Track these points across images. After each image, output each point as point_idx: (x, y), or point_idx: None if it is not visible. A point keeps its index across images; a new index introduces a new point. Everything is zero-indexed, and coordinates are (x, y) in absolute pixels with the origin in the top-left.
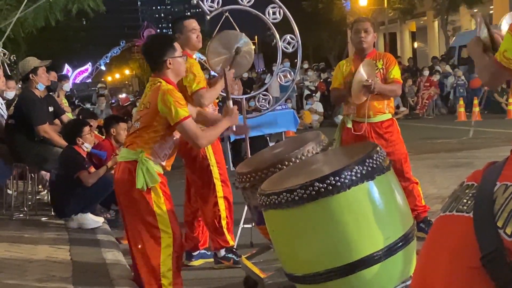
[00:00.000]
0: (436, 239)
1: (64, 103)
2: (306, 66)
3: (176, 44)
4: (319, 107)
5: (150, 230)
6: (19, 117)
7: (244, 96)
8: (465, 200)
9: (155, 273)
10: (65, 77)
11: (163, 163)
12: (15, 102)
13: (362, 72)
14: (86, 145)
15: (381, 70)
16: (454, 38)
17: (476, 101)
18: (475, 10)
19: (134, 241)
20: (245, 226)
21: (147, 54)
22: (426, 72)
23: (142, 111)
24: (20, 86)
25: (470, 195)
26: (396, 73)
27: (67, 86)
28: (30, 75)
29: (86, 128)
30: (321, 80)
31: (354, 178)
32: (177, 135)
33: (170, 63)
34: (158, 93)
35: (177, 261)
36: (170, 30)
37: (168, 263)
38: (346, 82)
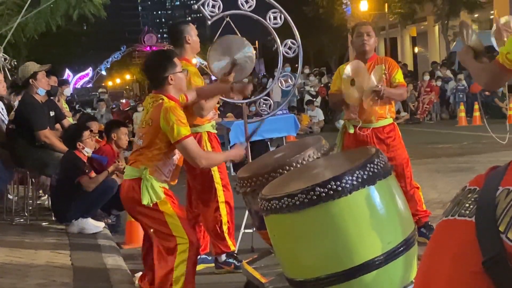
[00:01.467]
0: (438, 244)
1: (65, 108)
2: (307, 71)
3: (176, 60)
4: (320, 115)
5: (165, 240)
6: (20, 122)
7: (245, 101)
8: (467, 205)
9: (166, 277)
10: (65, 82)
11: (168, 179)
12: (16, 107)
13: (373, 79)
14: (86, 150)
15: (384, 75)
16: (455, 43)
17: (476, 106)
18: (476, 15)
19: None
20: (246, 231)
21: (148, 71)
22: (427, 77)
23: (144, 129)
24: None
25: (472, 199)
26: (399, 77)
27: (68, 90)
28: (30, 80)
29: (86, 133)
30: (322, 85)
31: (355, 183)
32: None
33: (171, 79)
34: (160, 111)
35: (192, 268)
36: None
37: (182, 268)
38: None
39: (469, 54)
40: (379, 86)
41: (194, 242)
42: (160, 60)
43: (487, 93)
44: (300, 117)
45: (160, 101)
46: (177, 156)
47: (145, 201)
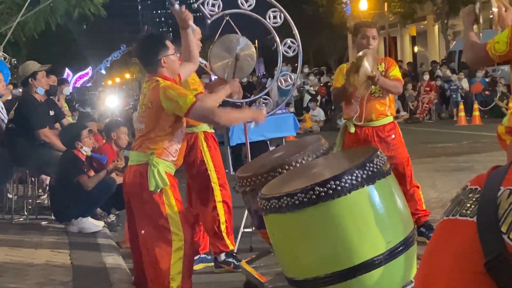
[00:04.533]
0: (439, 243)
1: (65, 107)
2: (306, 70)
3: (168, 42)
4: (321, 115)
5: (161, 233)
6: (20, 121)
7: (245, 100)
8: (468, 205)
9: (164, 276)
10: (65, 81)
11: (175, 159)
12: (15, 106)
13: (367, 65)
14: (85, 149)
15: (382, 72)
16: (455, 42)
17: (476, 105)
18: None
19: (143, 244)
20: (245, 230)
21: (141, 55)
22: (426, 77)
23: (144, 112)
24: (20, 90)
25: (474, 199)
26: (396, 72)
27: (67, 90)
28: (30, 80)
29: (85, 132)
30: (322, 84)
31: (354, 182)
32: (183, 128)
33: (164, 62)
34: (159, 91)
35: (188, 265)
36: (171, 34)
37: (178, 266)
38: (346, 73)
39: (470, 16)
40: (373, 73)
41: (189, 239)
42: (151, 44)
43: (487, 92)
44: (302, 118)
45: (156, 82)
46: (182, 134)
47: (152, 186)
